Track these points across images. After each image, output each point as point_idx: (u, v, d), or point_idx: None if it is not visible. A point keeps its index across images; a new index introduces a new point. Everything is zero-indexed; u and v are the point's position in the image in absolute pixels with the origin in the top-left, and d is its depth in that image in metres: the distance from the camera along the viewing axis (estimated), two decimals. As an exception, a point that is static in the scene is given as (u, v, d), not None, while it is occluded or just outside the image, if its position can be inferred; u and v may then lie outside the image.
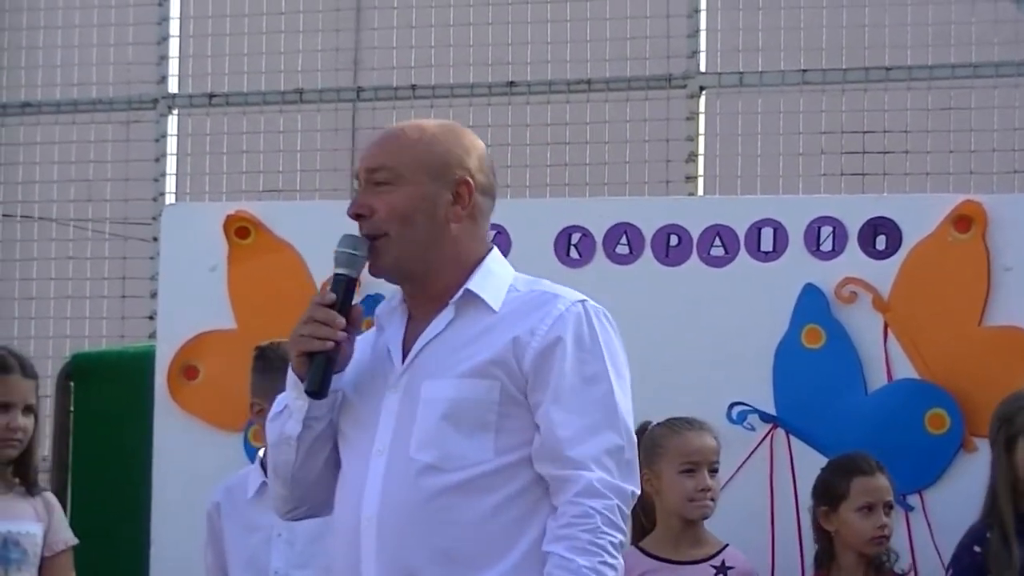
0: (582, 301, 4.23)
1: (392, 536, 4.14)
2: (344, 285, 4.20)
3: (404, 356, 4.25)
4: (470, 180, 4.27)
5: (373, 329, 4.44)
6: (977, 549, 5.96)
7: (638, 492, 4.24)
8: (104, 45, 9.70)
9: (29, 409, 5.82)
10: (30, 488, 5.84)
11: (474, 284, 4.23)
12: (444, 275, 4.26)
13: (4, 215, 10.32)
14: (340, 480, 4.31)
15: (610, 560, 4.07)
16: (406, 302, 4.33)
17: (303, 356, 4.19)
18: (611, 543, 4.07)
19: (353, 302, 4.26)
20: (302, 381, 4.20)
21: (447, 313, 4.23)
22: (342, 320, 4.16)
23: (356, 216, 4.23)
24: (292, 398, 4.26)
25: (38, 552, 5.78)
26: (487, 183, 4.34)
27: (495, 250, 4.38)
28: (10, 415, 5.74)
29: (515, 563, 4.12)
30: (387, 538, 4.14)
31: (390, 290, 4.42)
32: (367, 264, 4.24)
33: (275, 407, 4.36)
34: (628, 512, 4.16)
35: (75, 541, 5.93)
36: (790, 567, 6.42)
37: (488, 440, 4.15)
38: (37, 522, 5.81)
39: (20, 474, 5.82)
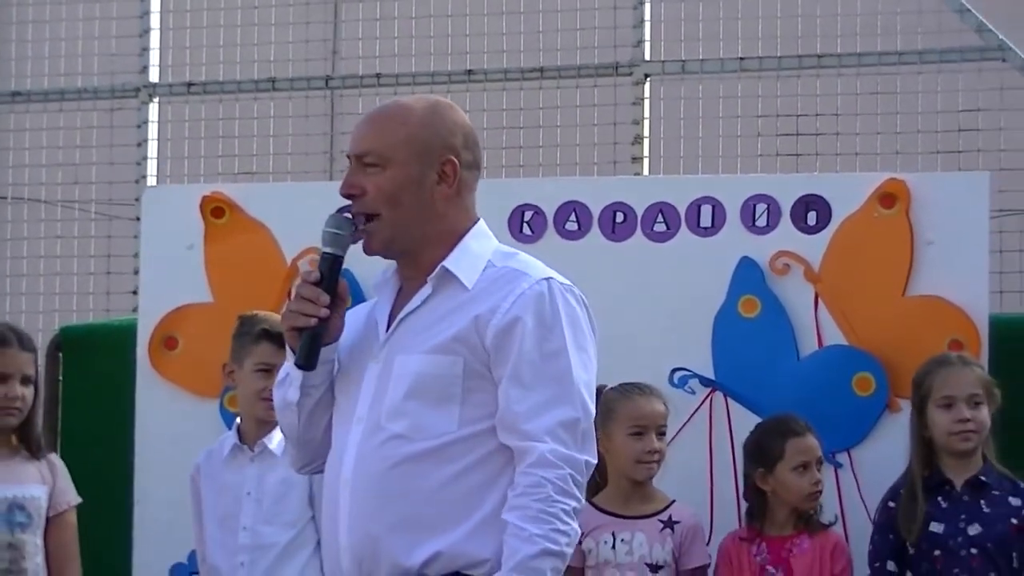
0: (548, 279, 4.23)
1: (360, 501, 4.15)
2: (330, 263, 4.21)
3: (389, 327, 4.27)
4: (455, 159, 4.27)
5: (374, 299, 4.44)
6: (891, 504, 6.03)
7: (594, 461, 4.23)
8: (89, 38, 9.67)
9: (27, 379, 5.82)
10: (34, 452, 5.85)
11: (450, 262, 4.24)
12: (432, 250, 4.26)
13: (15, 199, 10.33)
14: (332, 442, 4.33)
15: (561, 527, 4.07)
16: (399, 273, 4.32)
17: (293, 331, 4.19)
18: (563, 510, 4.07)
19: (341, 280, 4.24)
20: (295, 354, 4.21)
21: (425, 289, 4.25)
22: (326, 297, 4.16)
23: (348, 195, 4.22)
24: (291, 368, 4.27)
25: (43, 514, 5.79)
26: (472, 159, 4.34)
27: (479, 223, 4.38)
28: (8, 385, 5.75)
29: (472, 528, 4.12)
30: (357, 502, 4.16)
31: (361, 267, 4.46)
32: (360, 242, 4.21)
33: (280, 375, 4.38)
34: (583, 480, 4.15)
35: (78, 500, 5.94)
36: (728, 519, 6.43)
37: (453, 412, 4.16)
38: (42, 484, 5.82)
39: (24, 440, 5.84)
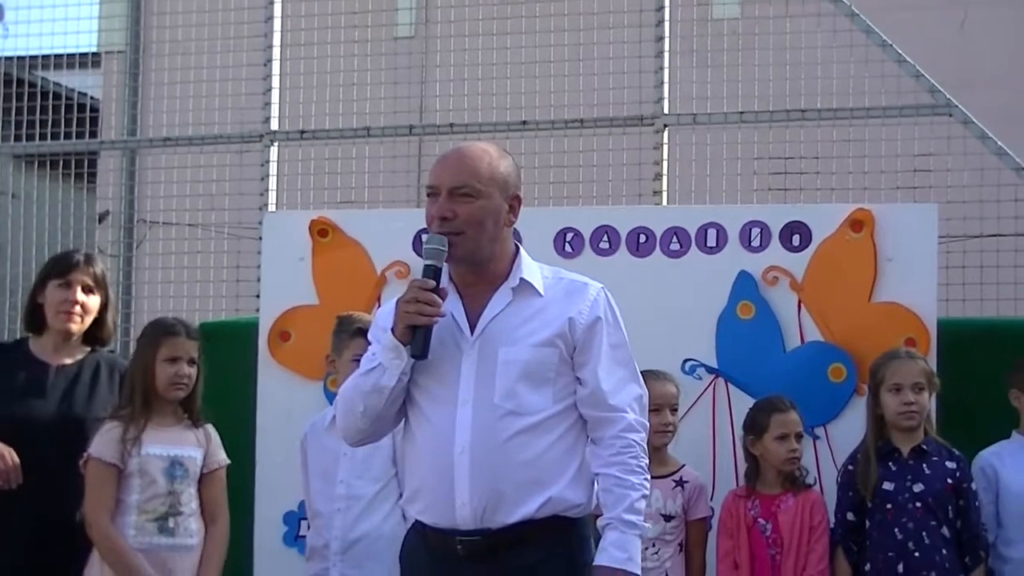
0: (603, 288, 4.39)
1: (483, 466, 4.20)
2: (434, 272, 4.23)
3: (472, 328, 4.31)
4: (520, 195, 4.39)
5: None
6: (851, 468, 6.05)
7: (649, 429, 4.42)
8: (224, 95, 9.69)
9: (192, 361, 5.84)
10: (195, 421, 5.88)
11: (525, 274, 4.33)
12: (498, 264, 4.35)
13: (151, 221, 10.38)
14: (424, 424, 4.34)
15: (647, 476, 4.27)
16: (454, 282, 4.36)
17: (408, 328, 4.20)
18: (646, 465, 4.28)
19: (441, 286, 4.27)
20: (404, 346, 4.21)
21: (506, 295, 4.33)
22: (437, 299, 4.20)
23: (442, 219, 4.25)
24: (389, 359, 4.26)
25: (197, 471, 5.79)
26: (522, 197, 4.43)
27: (520, 246, 4.46)
28: (178, 366, 5.77)
29: (568, 482, 4.25)
30: (479, 467, 4.20)
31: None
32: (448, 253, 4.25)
33: (366, 364, 4.37)
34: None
35: (227, 462, 5.96)
36: (727, 480, 6.47)
37: (548, 392, 4.27)
38: (198, 448, 5.82)
39: (187, 411, 5.87)
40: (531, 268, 4.40)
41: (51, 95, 10.68)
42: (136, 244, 10.52)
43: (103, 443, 5.67)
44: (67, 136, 10.40)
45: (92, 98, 12.14)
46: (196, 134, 9.60)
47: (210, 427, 5.96)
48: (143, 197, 10.83)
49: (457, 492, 4.22)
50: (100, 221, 11.21)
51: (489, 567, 4.22)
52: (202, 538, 5.79)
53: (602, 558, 4.19)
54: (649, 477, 4.33)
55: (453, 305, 4.37)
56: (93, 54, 12.12)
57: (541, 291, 4.35)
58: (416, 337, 4.21)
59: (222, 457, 5.94)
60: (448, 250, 4.26)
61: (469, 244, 4.28)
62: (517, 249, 4.44)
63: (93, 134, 10.89)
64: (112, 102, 11.78)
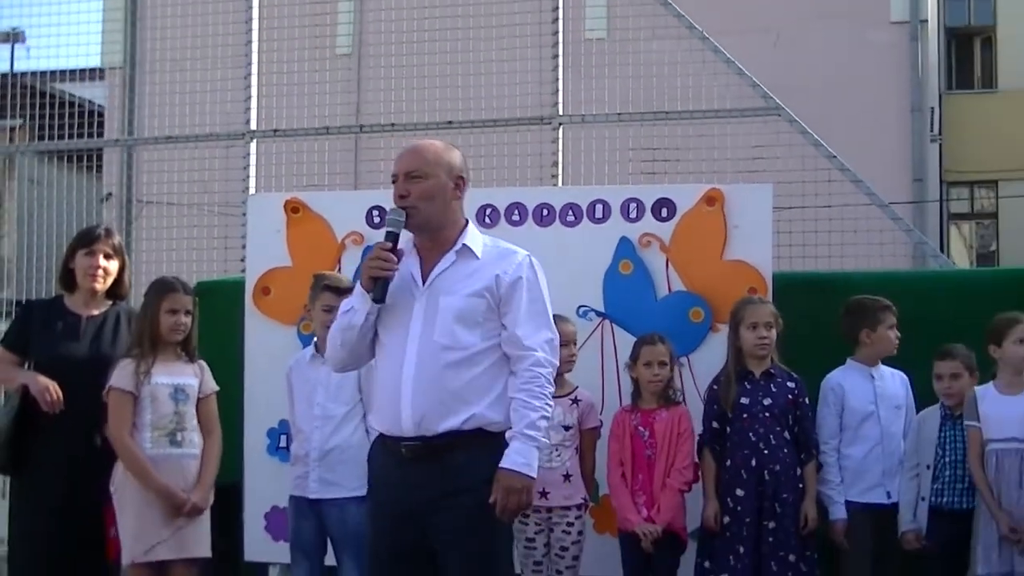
0: (528, 255, 4.45)
1: (423, 387, 4.29)
2: (395, 239, 4.35)
3: (423, 280, 4.38)
4: (463, 176, 4.45)
5: None
6: (715, 387, 6.07)
7: (558, 364, 4.48)
8: (213, 102, 9.67)
9: (188, 312, 5.87)
10: (191, 358, 5.91)
11: (467, 240, 4.41)
12: (448, 232, 4.42)
13: (157, 202, 10.32)
14: (383, 354, 4.44)
15: (549, 402, 4.31)
16: (416, 246, 4.44)
17: (371, 279, 4.31)
18: (549, 392, 4.32)
19: (399, 248, 4.39)
20: (369, 293, 4.33)
21: (451, 257, 4.40)
22: (394, 258, 4.31)
23: (400, 196, 4.36)
24: (360, 303, 4.38)
25: (195, 396, 5.82)
26: (467, 178, 4.50)
27: (470, 221, 4.54)
28: (177, 316, 5.80)
29: (489, 403, 4.31)
30: (420, 388, 4.29)
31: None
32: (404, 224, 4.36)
33: (342, 308, 4.50)
34: (554, 375, 4.41)
35: (217, 388, 5.99)
36: (612, 399, 6.47)
37: (478, 333, 4.33)
38: (194, 377, 5.86)
39: (185, 350, 5.89)
40: (474, 237, 4.46)
41: (65, 103, 10.59)
42: (133, 219, 10.42)
43: (120, 376, 5.71)
44: (78, 136, 10.41)
45: (98, 105, 12.10)
46: (191, 133, 9.53)
47: (203, 362, 5.98)
48: (139, 183, 10.80)
49: (403, 406, 4.30)
50: (104, 201, 11.16)
51: (429, 466, 4.30)
52: (202, 448, 5.83)
53: (505, 462, 4.24)
54: (551, 402, 4.38)
55: (412, 263, 4.46)
56: (99, 69, 12.06)
57: (479, 255, 4.42)
58: (377, 286, 4.33)
59: (213, 385, 5.96)
60: (406, 220, 4.36)
61: (422, 215, 4.38)
62: (467, 222, 4.52)
63: (99, 134, 10.99)
64: (114, 108, 11.76)
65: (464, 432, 4.29)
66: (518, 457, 4.23)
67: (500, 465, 4.24)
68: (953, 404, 5.97)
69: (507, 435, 4.28)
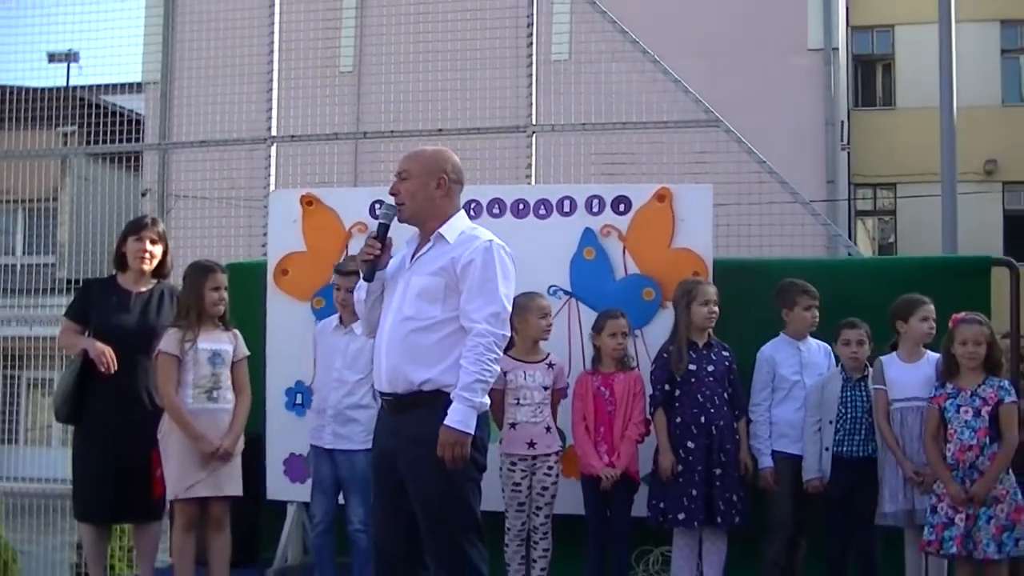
0: (490, 241, 4.40)
1: (392, 350, 4.33)
2: (384, 229, 4.38)
3: (411, 263, 4.44)
4: (444, 176, 4.43)
5: None
6: (665, 355, 6.08)
7: (508, 335, 4.39)
8: (240, 112, 9.68)
9: (225, 289, 5.90)
10: (226, 327, 5.91)
11: (443, 229, 4.41)
12: (431, 223, 4.42)
13: (190, 196, 10.27)
14: (380, 323, 4.48)
15: (487, 367, 4.24)
16: (420, 235, 4.49)
17: (363, 262, 4.39)
18: (489, 359, 4.24)
19: (387, 236, 4.44)
20: (364, 273, 4.42)
21: (429, 244, 4.41)
22: (379, 245, 4.36)
23: (393, 193, 4.43)
24: (364, 282, 4.46)
25: (229, 360, 5.83)
26: (456, 177, 4.48)
27: (460, 212, 4.52)
28: (219, 292, 5.83)
29: (445, 368, 4.30)
30: (391, 350, 4.34)
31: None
32: (396, 216, 4.42)
33: (356, 286, 4.60)
34: (501, 344, 4.32)
35: (248, 353, 5.98)
36: (577, 365, 6.49)
37: (437, 307, 4.33)
38: (229, 344, 5.85)
39: (221, 320, 5.89)
40: (452, 227, 4.44)
41: (111, 112, 10.57)
42: (167, 211, 10.39)
43: (168, 342, 5.72)
44: (122, 140, 10.30)
45: (138, 113, 12.08)
46: (220, 138, 9.50)
47: (236, 331, 5.99)
48: (172, 181, 10.80)
49: (382, 367, 4.38)
50: (143, 196, 11.14)
51: (402, 417, 4.34)
52: (234, 404, 5.84)
53: (447, 420, 4.22)
54: (493, 368, 4.27)
55: (410, 249, 4.50)
56: (139, 84, 12.06)
57: (450, 241, 4.41)
58: (367, 268, 4.41)
59: (245, 350, 5.95)
60: (397, 213, 4.43)
61: (408, 209, 4.45)
62: (454, 214, 4.50)
63: (139, 139, 10.96)
64: (151, 116, 11.72)
65: (423, 392, 4.30)
66: (453, 415, 4.21)
67: (443, 423, 4.22)
68: (855, 368, 6.02)
69: (451, 395, 4.27)
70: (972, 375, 5.50)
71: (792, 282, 6.30)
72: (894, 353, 5.98)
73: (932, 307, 5.93)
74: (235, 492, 5.79)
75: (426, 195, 4.41)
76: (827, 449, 5.97)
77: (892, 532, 5.91)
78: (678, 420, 5.98)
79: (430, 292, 4.33)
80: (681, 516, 5.91)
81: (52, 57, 14.21)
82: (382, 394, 4.41)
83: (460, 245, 4.38)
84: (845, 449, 5.94)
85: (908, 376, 5.83)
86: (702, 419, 5.94)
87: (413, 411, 4.30)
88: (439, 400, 4.27)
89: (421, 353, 4.29)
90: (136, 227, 6.14)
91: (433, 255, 4.40)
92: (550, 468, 6.04)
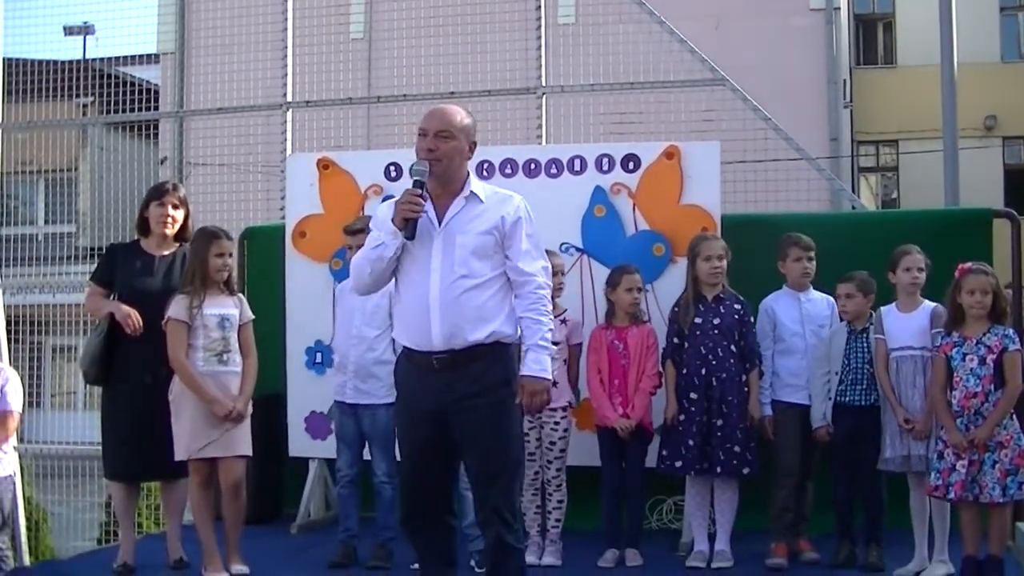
0: (523, 199, 4.47)
1: (448, 309, 4.27)
2: (422, 185, 4.31)
3: (439, 222, 4.37)
4: (475, 140, 4.46)
5: None
6: (676, 309, 6.11)
7: (552, 288, 4.53)
8: (256, 79, 9.70)
9: (230, 255, 5.88)
10: (232, 292, 5.86)
11: (474, 188, 4.41)
12: (457, 182, 4.40)
13: (206, 164, 10.30)
14: (409, 284, 4.39)
15: (551, 317, 4.35)
16: (429, 194, 4.38)
17: (403, 219, 4.29)
18: (549, 309, 4.37)
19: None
20: (401, 231, 4.31)
21: (460, 202, 4.39)
22: (422, 200, 4.29)
23: (429, 151, 4.34)
24: (391, 239, 4.34)
25: (235, 324, 5.78)
26: (476, 140, 4.50)
27: (471, 172, 4.51)
28: (224, 259, 5.79)
29: (503, 320, 4.32)
30: (446, 310, 4.27)
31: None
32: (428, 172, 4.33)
33: (370, 243, 4.43)
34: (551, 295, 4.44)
35: (252, 317, 5.92)
36: (590, 320, 6.50)
37: (488, 264, 4.33)
38: (235, 308, 5.81)
39: (227, 286, 5.85)
40: (477, 185, 4.46)
41: (127, 83, 10.57)
42: (184, 179, 10.40)
43: (176, 308, 5.70)
44: (138, 109, 10.32)
45: (154, 84, 12.07)
46: (237, 105, 9.51)
47: (241, 295, 5.96)
48: (188, 148, 10.80)
49: (432, 326, 4.28)
50: (161, 164, 11.14)
51: (455, 373, 4.29)
52: (242, 367, 5.82)
53: (526, 370, 4.26)
54: (552, 316, 4.41)
55: (428, 208, 4.42)
56: (155, 55, 12.05)
57: (483, 200, 4.41)
58: (408, 225, 4.29)
59: (249, 314, 5.91)
60: (430, 170, 4.35)
61: (443, 168, 4.36)
62: (469, 174, 4.49)
63: (156, 108, 10.91)
64: (167, 86, 11.72)
65: (485, 344, 4.29)
66: (535, 364, 4.26)
67: (522, 373, 4.27)
68: (849, 320, 6.02)
69: (523, 347, 4.31)
70: (977, 324, 5.49)
71: (788, 235, 6.31)
72: (893, 304, 5.98)
73: (917, 256, 5.89)
74: (245, 452, 5.77)
75: (462, 157, 4.42)
76: (831, 399, 5.99)
77: (899, 477, 5.92)
78: (684, 372, 6.02)
79: (483, 249, 4.33)
80: (679, 464, 5.96)
81: (68, 30, 14.23)
82: (432, 353, 4.33)
83: (500, 204, 4.41)
84: (848, 398, 5.94)
85: (903, 325, 5.83)
86: (703, 371, 5.96)
87: (473, 365, 4.30)
88: (500, 351, 4.32)
89: (480, 307, 4.29)
90: (158, 192, 6.13)
91: (471, 213, 4.39)
92: (557, 423, 6.06)
